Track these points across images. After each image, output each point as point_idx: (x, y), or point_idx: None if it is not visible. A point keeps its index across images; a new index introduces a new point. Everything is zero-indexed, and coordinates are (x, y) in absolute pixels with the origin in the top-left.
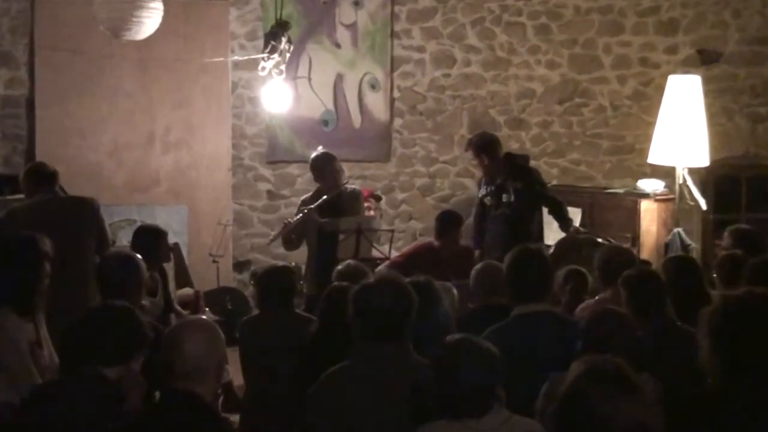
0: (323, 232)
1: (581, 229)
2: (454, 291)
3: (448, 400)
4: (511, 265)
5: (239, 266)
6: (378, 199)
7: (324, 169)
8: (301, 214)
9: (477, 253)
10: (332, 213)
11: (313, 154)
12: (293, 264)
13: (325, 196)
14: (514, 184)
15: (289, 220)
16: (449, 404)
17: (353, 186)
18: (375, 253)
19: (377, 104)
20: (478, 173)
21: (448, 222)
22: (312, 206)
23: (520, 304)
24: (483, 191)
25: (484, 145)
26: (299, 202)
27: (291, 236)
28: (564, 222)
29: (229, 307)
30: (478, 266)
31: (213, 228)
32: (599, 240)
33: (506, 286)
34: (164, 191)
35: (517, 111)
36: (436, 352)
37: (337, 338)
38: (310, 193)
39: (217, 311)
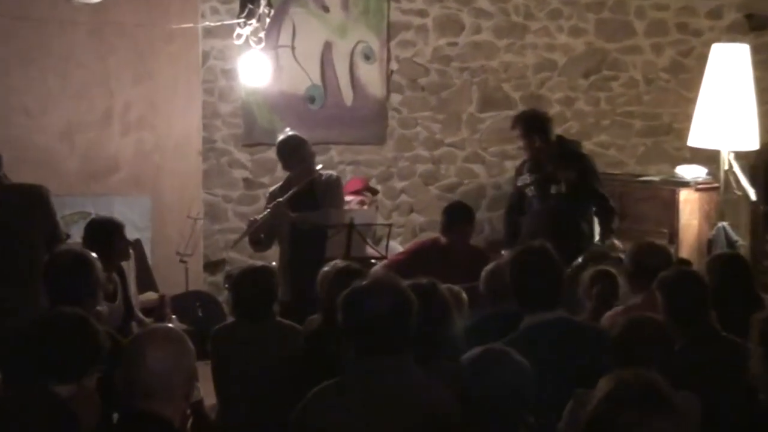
0: (297, 229)
1: (619, 246)
2: (463, 296)
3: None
4: (513, 268)
5: (211, 267)
6: (375, 192)
7: (293, 155)
8: (269, 209)
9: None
10: (306, 206)
11: (280, 138)
12: (273, 264)
13: (296, 187)
14: (566, 173)
15: (256, 217)
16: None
17: (329, 172)
18: (370, 252)
19: (372, 78)
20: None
21: (457, 216)
22: (281, 199)
23: (529, 313)
24: (525, 179)
25: (539, 124)
26: (267, 195)
27: (259, 235)
28: (605, 231)
29: (200, 314)
30: (488, 267)
31: (180, 222)
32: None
33: (511, 293)
34: (124, 179)
35: (535, 86)
36: (463, 365)
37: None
38: (279, 184)
39: (186, 319)
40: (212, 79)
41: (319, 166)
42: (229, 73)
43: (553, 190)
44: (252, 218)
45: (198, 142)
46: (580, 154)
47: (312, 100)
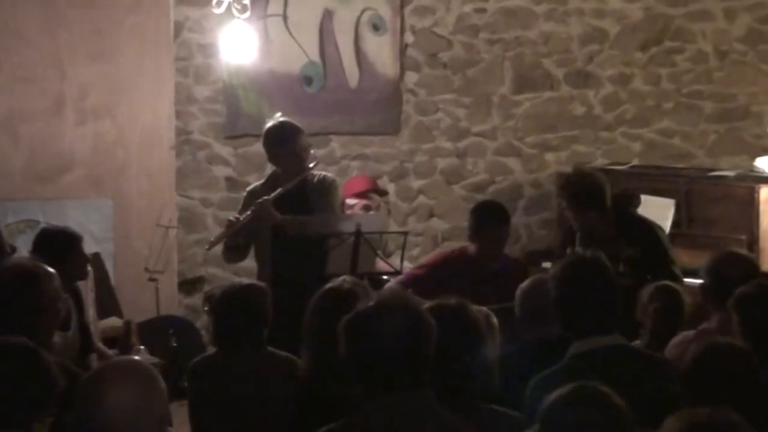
0: (283, 236)
1: None
2: (493, 320)
3: None
4: (558, 284)
5: (187, 286)
6: (383, 194)
7: (284, 146)
8: (251, 210)
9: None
10: (293, 210)
11: (268, 125)
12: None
13: (288, 184)
14: (629, 249)
15: (238, 216)
16: None
17: (323, 172)
18: (381, 266)
19: (382, 53)
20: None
21: (488, 218)
22: (268, 197)
23: (576, 339)
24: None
25: (592, 197)
26: (245, 194)
27: (237, 240)
28: None
29: (174, 344)
30: (526, 283)
31: (149, 231)
32: None
33: (554, 314)
34: (79, 179)
35: (582, 61)
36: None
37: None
38: (261, 181)
39: (157, 350)
40: (187, 56)
41: (312, 164)
42: (207, 49)
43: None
44: (232, 217)
45: (170, 134)
46: (645, 226)
47: (309, 81)
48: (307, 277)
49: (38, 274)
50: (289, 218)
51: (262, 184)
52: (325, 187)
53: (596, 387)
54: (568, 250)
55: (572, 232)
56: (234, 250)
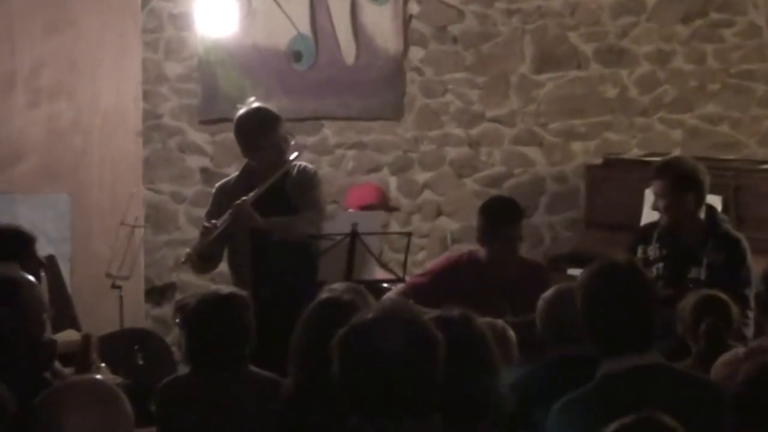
0: (266, 240)
1: None
2: (510, 334)
3: None
4: (586, 294)
5: (156, 294)
6: (392, 210)
7: (259, 136)
8: (229, 213)
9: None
10: (272, 209)
11: (240, 111)
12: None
13: (270, 181)
14: (715, 255)
15: (215, 221)
16: None
17: (303, 163)
18: (379, 273)
19: (382, 25)
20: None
21: (501, 216)
22: (246, 198)
23: (608, 357)
24: (653, 252)
25: (697, 181)
26: (214, 191)
27: (214, 247)
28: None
29: (140, 361)
30: (549, 293)
31: (112, 231)
32: None
33: (582, 328)
34: (31, 170)
35: (616, 35)
36: None
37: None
38: (233, 175)
39: (121, 368)
40: (156, 29)
41: (293, 155)
42: (180, 20)
43: (693, 273)
44: (209, 223)
45: (137, 118)
46: (733, 237)
47: (298, 57)
48: (295, 286)
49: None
50: (273, 221)
51: (236, 179)
52: (308, 180)
53: (663, 419)
54: (640, 249)
55: (647, 228)
56: (208, 261)
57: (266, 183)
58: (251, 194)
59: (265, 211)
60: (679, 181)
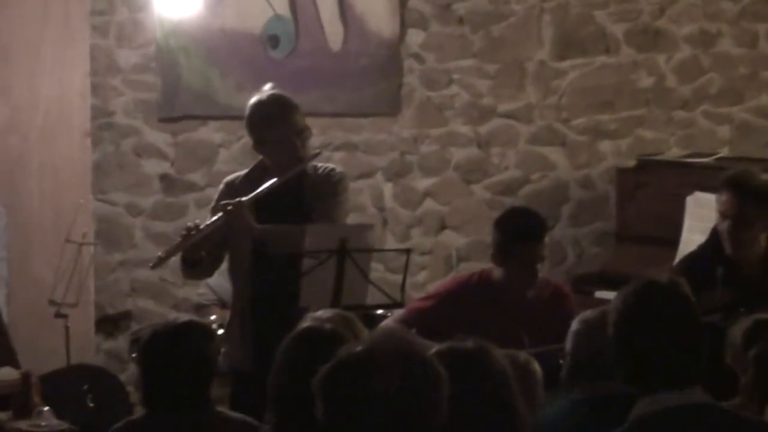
0: (268, 251)
1: None
2: (535, 367)
3: None
4: (621, 322)
5: (108, 324)
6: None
7: (275, 126)
8: (219, 215)
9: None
10: (285, 216)
11: (254, 98)
12: (212, 321)
13: (274, 179)
14: None
15: (197, 222)
16: None
17: (330, 165)
18: (375, 297)
19: (374, 4)
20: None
21: (521, 232)
22: (244, 198)
23: (645, 395)
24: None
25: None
26: (222, 187)
27: (200, 253)
28: None
29: (90, 403)
30: (589, 314)
31: (56, 250)
32: None
33: (615, 361)
34: None
35: (650, 16)
36: None
37: None
38: (242, 172)
39: (67, 411)
40: (108, 10)
41: (315, 152)
42: (134, 0)
43: None
44: (191, 223)
45: (84, 116)
46: None
47: (275, 42)
48: (288, 309)
49: None
50: (269, 228)
51: (245, 175)
52: (329, 185)
53: None
54: (720, 271)
55: (702, 259)
56: (193, 266)
57: (268, 183)
58: (252, 194)
59: (274, 216)
60: (754, 198)
